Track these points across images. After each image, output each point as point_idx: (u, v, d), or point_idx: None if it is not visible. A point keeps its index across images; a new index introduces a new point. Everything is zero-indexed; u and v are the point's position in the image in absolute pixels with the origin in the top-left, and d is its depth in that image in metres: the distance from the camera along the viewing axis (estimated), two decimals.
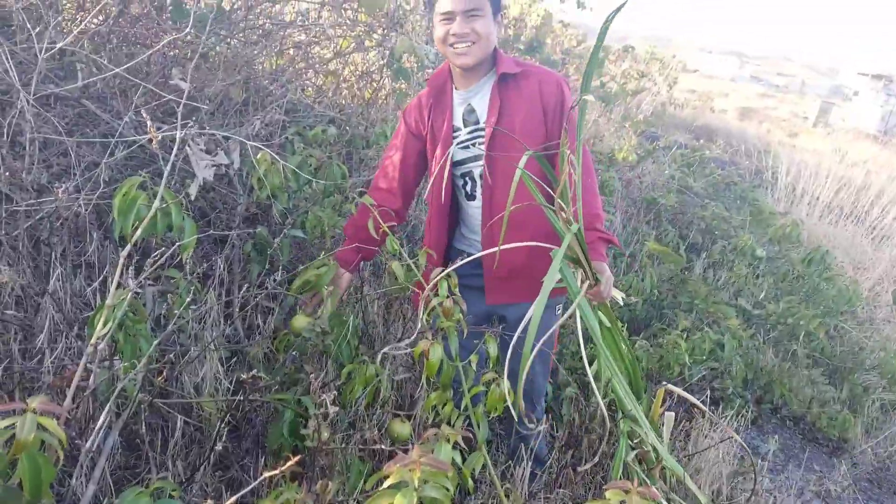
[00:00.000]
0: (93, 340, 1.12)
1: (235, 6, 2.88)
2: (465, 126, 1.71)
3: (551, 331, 1.53)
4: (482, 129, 1.68)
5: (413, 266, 1.54)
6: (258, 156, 1.87)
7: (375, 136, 2.75)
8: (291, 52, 3.42)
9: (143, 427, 1.39)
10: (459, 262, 1.58)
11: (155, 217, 1.26)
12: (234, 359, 1.81)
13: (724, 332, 2.93)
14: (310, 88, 3.33)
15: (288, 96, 2.89)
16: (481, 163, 1.69)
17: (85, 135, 1.95)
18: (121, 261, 0.95)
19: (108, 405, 1.19)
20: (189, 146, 1.60)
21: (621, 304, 1.66)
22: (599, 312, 1.51)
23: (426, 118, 1.75)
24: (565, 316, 1.33)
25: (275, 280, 1.92)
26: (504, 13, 1.68)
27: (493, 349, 1.48)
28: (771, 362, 3.21)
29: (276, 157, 1.80)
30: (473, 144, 1.71)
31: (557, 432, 2.25)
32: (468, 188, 1.78)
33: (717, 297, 3.47)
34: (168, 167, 1.32)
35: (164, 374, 1.51)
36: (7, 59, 1.52)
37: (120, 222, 1.24)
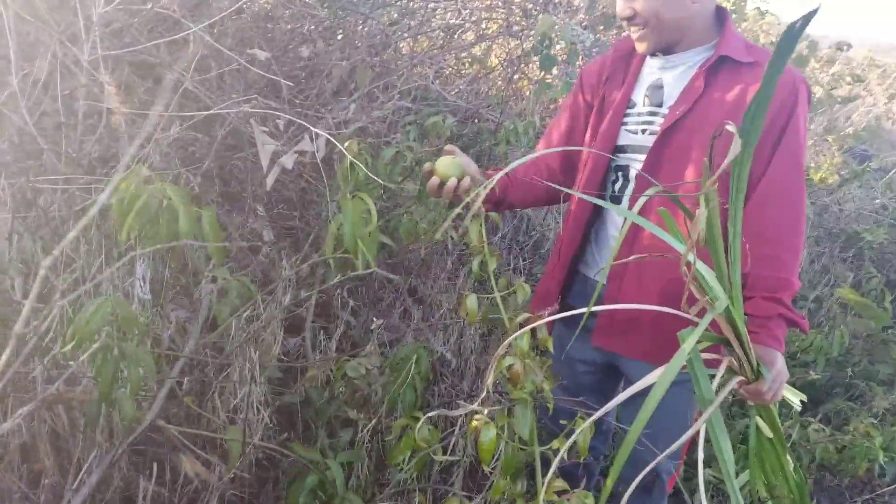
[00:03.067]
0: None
1: None
2: (645, 105, 1.31)
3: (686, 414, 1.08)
4: (663, 115, 1.27)
5: (500, 302, 1.16)
6: (346, 144, 1.59)
7: (505, 133, 2.37)
8: (440, 34, 3.16)
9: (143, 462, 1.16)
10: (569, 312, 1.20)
11: (158, 218, 1.01)
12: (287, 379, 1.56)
13: None
14: (448, 74, 3.05)
15: (418, 82, 2.62)
16: (643, 158, 1.28)
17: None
18: (41, 271, 0.69)
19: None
20: (253, 126, 1.36)
21: (797, 406, 1.14)
22: (758, 417, 1.01)
23: (602, 83, 1.38)
24: (693, 429, 0.84)
25: (347, 289, 1.64)
26: None
27: (584, 439, 1.06)
28: None
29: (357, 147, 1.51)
30: (644, 131, 1.30)
31: None
32: (617, 186, 1.36)
33: None
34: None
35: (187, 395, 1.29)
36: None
37: (119, 224, 1.01)
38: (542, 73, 2.70)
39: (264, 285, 1.79)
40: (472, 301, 1.13)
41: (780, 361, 1.07)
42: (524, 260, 2.51)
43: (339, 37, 2.69)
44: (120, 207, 0.97)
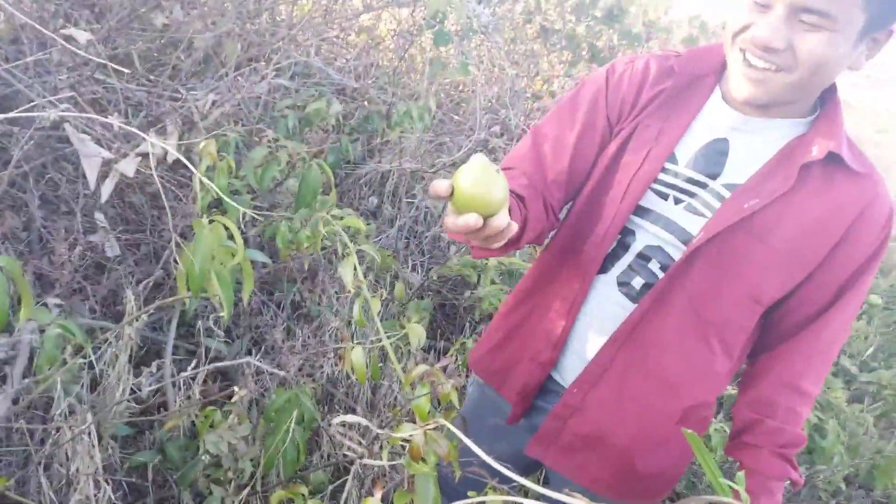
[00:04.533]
0: None
1: None
2: (689, 166, 0.93)
3: None
4: (714, 192, 0.92)
5: (392, 355, 0.96)
6: (200, 146, 1.31)
7: (399, 117, 2.15)
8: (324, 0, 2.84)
9: None
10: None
11: None
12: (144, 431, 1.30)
13: (825, 407, 2.26)
14: (332, 46, 2.76)
15: (297, 58, 2.32)
16: (671, 242, 0.94)
17: None
18: None
19: None
20: (70, 133, 1.06)
21: None
22: None
23: (640, 106, 0.98)
24: None
25: (216, 317, 1.39)
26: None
27: None
28: (874, 444, 2.52)
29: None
30: (678, 202, 0.93)
31: None
32: (619, 263, 0.98)
33: None
34: None
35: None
36: None
37: None
38: (437, 49, 2.49)
39: (110, 314, 1.50)
40: (357, 355, 0.92)
41: None
42: (423, 255, 2.33)
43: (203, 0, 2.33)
44: None
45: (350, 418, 0.88)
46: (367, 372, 0.97)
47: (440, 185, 0.71)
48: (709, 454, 0.61)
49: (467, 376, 1.86)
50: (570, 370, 1.03)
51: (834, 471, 2.10)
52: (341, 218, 1.10)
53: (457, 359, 1.76)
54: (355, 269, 0.97)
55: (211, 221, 1.03)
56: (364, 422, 0.79)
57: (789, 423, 0.95)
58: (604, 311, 0.99)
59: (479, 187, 0.70)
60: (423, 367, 0.92)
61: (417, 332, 0.95)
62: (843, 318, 0.93)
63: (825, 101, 0.91)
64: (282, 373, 1.07)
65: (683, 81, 0.96)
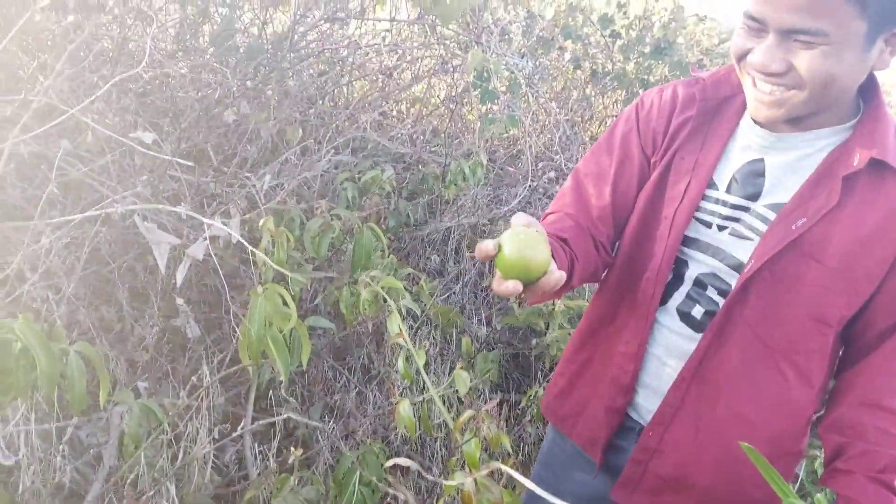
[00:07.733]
0: None
1: (298, 34, 2.50)
2: (729, 190, 0.92)
3: None
4: (757, 215, 0.89)
5: (440, 404, 0.96)
6: (261, 223, 1.41)
7: (452, 175, 2.21)
8: (379, 79, 3.02)
9: None
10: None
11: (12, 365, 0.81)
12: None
13: None
14: (391, 118, 2.90)
15: (353, 134, 2.46)
16: (723, 269, 0.91)
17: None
18: None
19: None
20: (136, 220, 1.17)
21: None
22: None
23: (671, 136, 0.97)
24: None
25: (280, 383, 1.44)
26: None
27: None
28: None
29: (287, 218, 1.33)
30: (722, 228, 0.91)
31: None
32: (676, 294, 0.95)
33: None
34: None
35: None
36: None
37: None
38: (485, 107, 2.56)
39: (194, 388, 1.59)
40: (405, 408, 0.93)
41: None
42: (490, 308, 2.33)
43: (269, 92, 2.53)
44: None
45: (402, 461, 0.88)
46: (416, 425, 0.98)
47: (486, 246, 0.73)
48: (775, 472, 0.56)
49: (543, 425, 1.81)
50: (644, 407, 1.00)
51: None
52: (386, 277, 1.14)
53: (531, 407, 1.73)
54: (399, 326, 0.99)
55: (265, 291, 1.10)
56: (415, 465, 0.79)
57: (884, 446, 0.85)
58: (669, 342, 0.96)
59: (522, 252, 0.72)
60: (469, 412, 0.92)
61: (463, 379, 0.95)
62: None
63: (867, 101, 0.86)
64: (322, 429, 1.10)
65: (710, 106, 0.95)
